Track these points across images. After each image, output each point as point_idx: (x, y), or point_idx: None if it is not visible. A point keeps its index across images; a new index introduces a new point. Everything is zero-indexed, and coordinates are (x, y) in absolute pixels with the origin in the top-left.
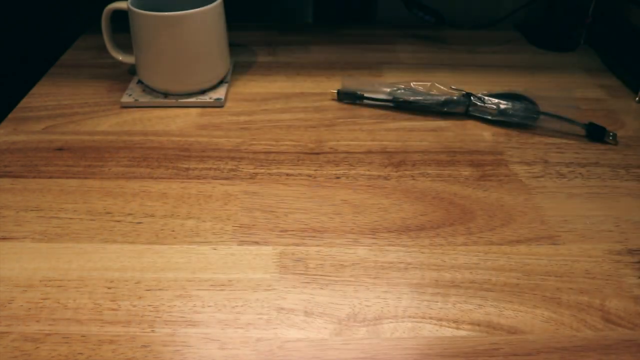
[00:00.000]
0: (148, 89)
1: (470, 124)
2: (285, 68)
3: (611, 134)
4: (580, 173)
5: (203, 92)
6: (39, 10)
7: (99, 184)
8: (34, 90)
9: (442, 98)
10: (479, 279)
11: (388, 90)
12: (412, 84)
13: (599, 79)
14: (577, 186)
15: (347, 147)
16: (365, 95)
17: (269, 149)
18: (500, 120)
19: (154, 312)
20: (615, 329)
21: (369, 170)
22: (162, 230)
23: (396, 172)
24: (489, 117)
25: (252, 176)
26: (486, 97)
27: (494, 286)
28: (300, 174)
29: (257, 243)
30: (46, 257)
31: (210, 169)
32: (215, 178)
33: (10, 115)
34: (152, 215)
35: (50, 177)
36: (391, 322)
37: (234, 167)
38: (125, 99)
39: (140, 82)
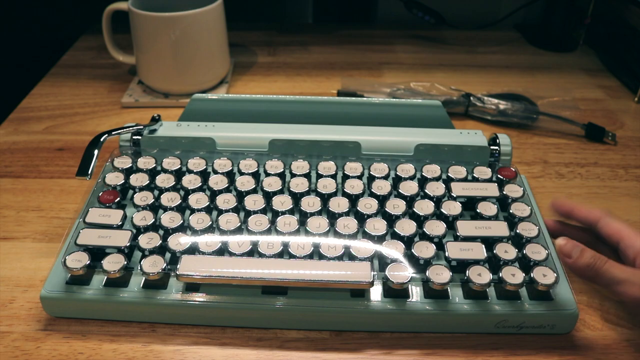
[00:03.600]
0: (148, 89)
1: (470, 124)
2: (285, 68)
3: (610, 134)
4: (579, 173)
5: (203, 92)
6: (39, 11)
7: None
8: (35, 90)
9: (442, 98)
10: None
11: (388, 90)
12: (411, 84)
13: (598, 79)
14: (576, 186)
15: None
16: (365, 95)
17: None
18: (499, 120)
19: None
20: (614, 329)
21: None
22: None
23: None
24: (489, 118)
25: None
26: (486, 98)
27: None
28: None
29: None
30: (47, 257)
31: None
32: None
33: (11, 116)
34: None
35: (51, 177)
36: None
37: None
38: (126, 99)
39: (140, 82)
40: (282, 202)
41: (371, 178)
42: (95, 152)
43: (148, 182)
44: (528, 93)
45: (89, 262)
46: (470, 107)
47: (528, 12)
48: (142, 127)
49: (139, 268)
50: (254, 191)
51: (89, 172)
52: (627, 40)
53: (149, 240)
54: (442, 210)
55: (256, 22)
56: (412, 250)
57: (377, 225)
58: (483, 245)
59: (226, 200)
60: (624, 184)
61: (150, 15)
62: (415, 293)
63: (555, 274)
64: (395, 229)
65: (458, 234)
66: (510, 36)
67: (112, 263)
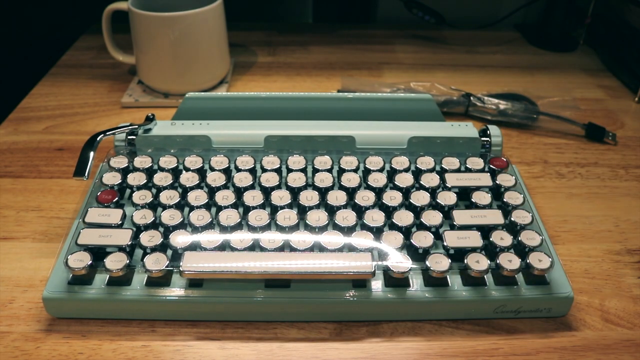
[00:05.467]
0: (148, 89)
1: None
2: (285, 68)
3: (610, 134)
4: (579, 173)
5: (203, 92)
6: (39, 10)
7: None
8: (35, 90)
9: (442, 98)
10: None
11: (388, 90)
12: (412, 84)
13: (599, 79)
14: (577, 186)
15: None
16: None
17: None
18: (500, 120)
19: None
20: (615, 329)
21: None
22: None
23: None
24: (489, 118)
25: None
26: (486, 98)
27: None
28: None
29: None
30: (47, 257)
31: None
32: None
33: (10, 116)
34: None
35: (51, 177)
36: (391, 322)
37: None
38: (126, 99)
39: (140, 82)
40: (280, 197)
41: (367, 171)
42: (91, 152)
43: (146, 180)
44: (528, 93)
45: (90, 261)
46: (470, 107)
47: (528, 12)
48: (136, 126)
49: (142, 266)
50: (251, 187)
51: (86, 172)
52: (627, 40)
53: (150, 238)
54: (437, 200)
55: (256, 22)
56: (411, 240)
57: (375, 217)
58: (479, 233)
59: (225, 197)
60: (625, 184)
61: (150, 15)
62: (416, 282)
63: (550, 259)
64: (393, 220)
65: (454, 223)
66: (510, 36)
67: (115, 262)
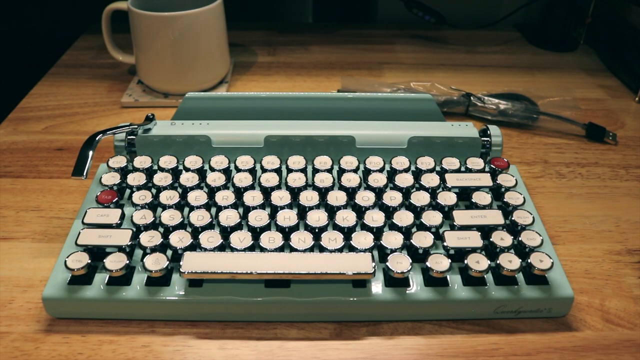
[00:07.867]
0: (148, 89)
1: None
2: (285, 68)
3: (611, 134)
4: (580, 173)
5: (203, 92)
6: (39, 10)
7: None
8: (34, 90)
9: (442, 98)
10: None
11: (388, 90)
12: (412, 84)
13: (599, 79)
14: (577, 186)
15: None
16: None
17: None
18: (500, 120)
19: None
20: (615, 329)
21: None
22: None
23: None
24: (489, 117)
25: None
26: (486, 97)
27: None
28: None
29: None
30: (47, 257)
31: None
32: None
33: (10, 115)
34: None
35: (51, 177)
36: (391, 322)
37: None
38: (126, 99)
39: (140, 82)
40: (280, 197)
41: (367, 171)
42: (90, 152)
43: (145, 181)
44: (528, 93)
45: (89, 261)
46: (470, 107)
47: (528, 12)
48: (136, 126)
49: (142, 266)
50: (251, 187)
51: (85, 172)
52: (628, 40)
53: (150, 239)
54: (437, 200)
55: (256, 22)
56: (411, 241)
57: (375, 217)
58: (479, 234)
59: (225, 197)
60: (625, 184)
61: (149, 15)
62: (416, 282)
63: (550, 260)
64: (393, 220)
65: (455, 223)
66: (510, 36)
67: (115, 262)
